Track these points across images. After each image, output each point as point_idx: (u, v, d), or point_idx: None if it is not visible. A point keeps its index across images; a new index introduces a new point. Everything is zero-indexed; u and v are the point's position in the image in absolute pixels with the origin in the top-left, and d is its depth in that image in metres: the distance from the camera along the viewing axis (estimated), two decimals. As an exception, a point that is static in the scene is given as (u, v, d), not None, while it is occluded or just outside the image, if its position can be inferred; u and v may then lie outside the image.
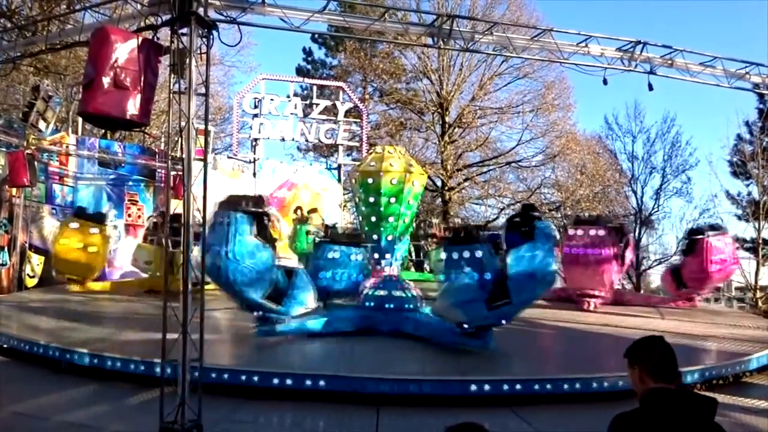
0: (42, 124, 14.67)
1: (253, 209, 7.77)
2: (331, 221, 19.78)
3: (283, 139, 21.45)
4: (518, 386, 6.46)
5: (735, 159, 28.25)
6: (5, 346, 8.07)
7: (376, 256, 13.02)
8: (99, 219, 13.82)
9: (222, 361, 7.02)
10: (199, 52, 5.33)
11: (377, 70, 28.39)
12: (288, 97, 21.25)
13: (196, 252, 6.81)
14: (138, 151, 22.06)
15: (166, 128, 21.55)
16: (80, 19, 8.08)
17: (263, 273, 7.71)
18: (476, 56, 25.80)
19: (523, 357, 8.57)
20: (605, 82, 8.81)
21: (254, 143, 20.82)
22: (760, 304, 22.33)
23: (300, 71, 34.28)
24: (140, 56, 5.30)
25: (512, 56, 10.15)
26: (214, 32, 5.55)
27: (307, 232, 15.26)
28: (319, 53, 35.49)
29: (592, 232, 12.95)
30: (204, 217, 5.71)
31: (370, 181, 12.52)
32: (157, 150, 22.00)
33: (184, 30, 5.27)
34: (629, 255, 14.05)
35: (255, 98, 20.55)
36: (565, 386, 6.52)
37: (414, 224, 16.60)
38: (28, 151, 14.26)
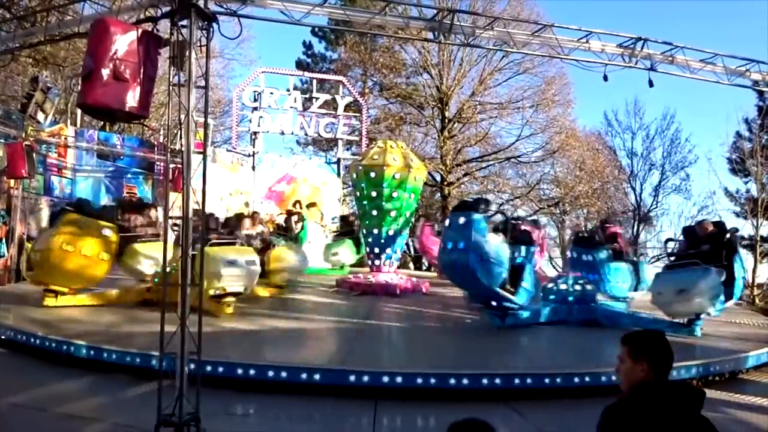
0: (41, 116, 14.59)
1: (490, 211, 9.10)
2: (329, 216, 19.86)
3: (282, 133, 21.42)
4: (516, 380, 6.47)
5: (734, 156, 28.33)
6: (3, 337, 8.06)
7: (377, 250, 13.06)
8: (108, 215, 10.24)
9: (222, 354, 7.02)
10: (198, 44, 5.31)
11: (377, 65, 28.30)
12: (288, 90, 21.17)
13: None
14: (137, 143, 22.07)
15: (165, 121, 21.58)
16: (79, 11, 8.04)
17: (502, 266, 8.61)
18: (476, 51, 25.81)
19: (523, 352, 8.63)
20: (606, 78, 8.84)
21: (253, 136, 20.77)
22: (757, 301, 22.37)
23: (300, 65, 34.25)
24: (140, 48, 5.27)
25: (513, 51, 10.13)
26: (214, 24, 5.52)
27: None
28: (319, 47, 35.50)
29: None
30: (203, 211, 5.67)
31: (372, 174, 12.53)
32: (156, 142, 21.97)
33: (184, 22, 5.24)
34: None
35: (254, 91, 20.47)
36: (558, 380, 6.54)
37: (413, 220, 16.59)
38: (27, 143, 14.21)
